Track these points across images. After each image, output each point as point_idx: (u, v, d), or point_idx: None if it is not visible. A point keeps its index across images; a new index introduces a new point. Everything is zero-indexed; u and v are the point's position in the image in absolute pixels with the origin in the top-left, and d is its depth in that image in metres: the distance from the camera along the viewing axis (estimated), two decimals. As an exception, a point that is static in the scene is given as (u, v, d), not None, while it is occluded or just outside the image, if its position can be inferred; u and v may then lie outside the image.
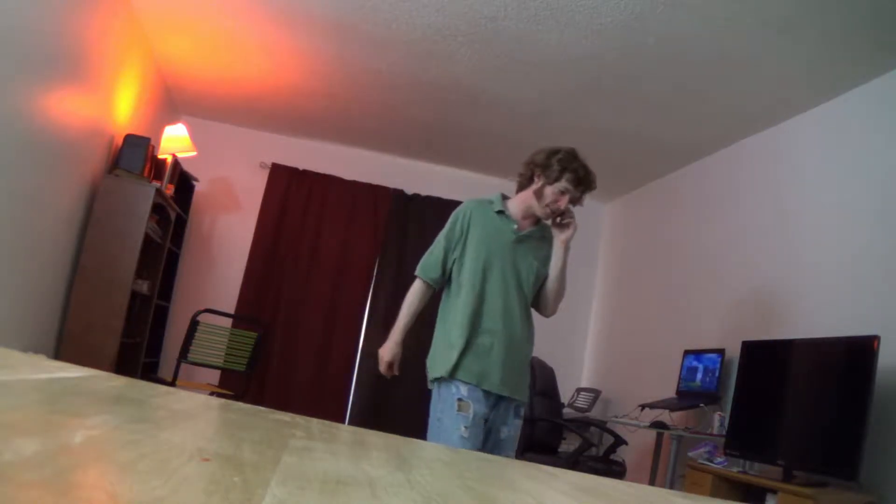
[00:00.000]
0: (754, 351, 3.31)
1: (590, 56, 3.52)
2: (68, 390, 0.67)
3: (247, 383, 4.31)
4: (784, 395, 3.07)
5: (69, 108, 3.40)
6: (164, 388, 0.84)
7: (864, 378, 2.51)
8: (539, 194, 2.37)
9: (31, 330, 3.47)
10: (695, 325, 4.32)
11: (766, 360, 3.24)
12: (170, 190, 4.42)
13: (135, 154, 4.01)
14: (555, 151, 2.47)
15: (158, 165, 4.37)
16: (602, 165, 5.17)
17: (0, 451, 0.36)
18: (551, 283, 2.41)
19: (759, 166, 4.01)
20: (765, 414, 3.11)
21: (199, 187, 5.29)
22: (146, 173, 4.05)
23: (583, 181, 2.35)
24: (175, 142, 4.51)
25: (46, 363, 0.84)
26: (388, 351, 2.39)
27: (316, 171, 5.61)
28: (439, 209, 5.78)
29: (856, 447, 2.43)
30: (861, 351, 2.59)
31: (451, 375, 2.25)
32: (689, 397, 3.93)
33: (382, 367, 2.41)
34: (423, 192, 5.77)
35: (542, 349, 4.99)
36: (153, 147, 4.23)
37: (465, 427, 2.20)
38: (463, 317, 2.28)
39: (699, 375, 3.93)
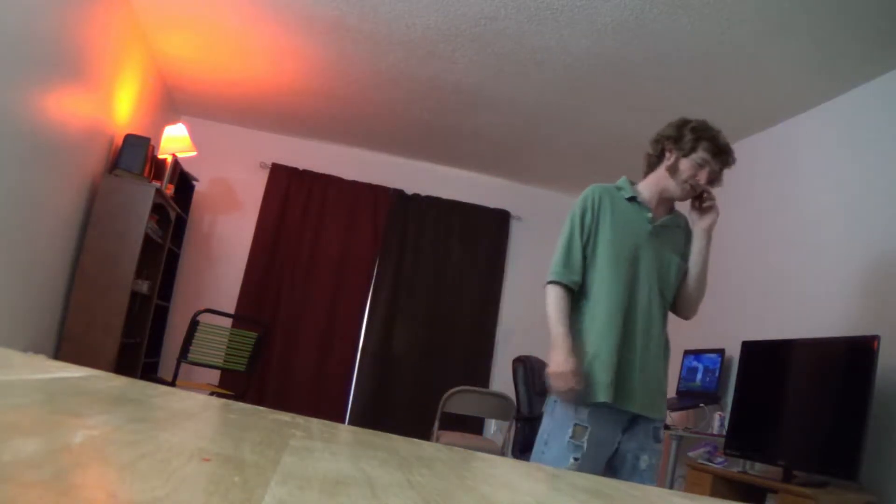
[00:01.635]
0: (754, 351, 3.31)
1: (590, 56, 3.52)
2: (68, 390, 0.67)
3: (247, 383, 4.31)
4: (784, 395, 3.07)
5: (69, 108, 3.40)
6: (164, 388, 0.84)
7: (864, 378, 2.51)
8: (673, 170, 2.03)
9: (31, 330, 3.47)
10: (695, 325, 4.32)
11: (766, 360, 3.24)
12: (170, 190, 4.42)
13: (135, 154, 4.01)
14: (686, 121, 2.08)
15: (158, 165, 4.37)
16: (602, 165, 5.19)
17: (0, 451, 0.36)
18: (693, 280, 2.06)
19: (759, 166, 4.01)
20: (765, 414, 3.11)
21: (199, 187, 5.29)
22: (146, 173, 4.05)
23: (722, 150, 2.01)
24: (175, 142, 4.51)
25: (46, 363, 0.84)
26: (563, 362, 1.90)
27: (316, 171, 5.61)
28: (439, 209, 5.79)
29: (856, 447, 2.43)
30: (861, 351, 2.59)
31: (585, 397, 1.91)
32: (689, 397, 3.93)
33: (565, 383, 1.90)
34: (423, 192, 5.77)
35: (543, 349, 5.00)
36: (153, 147, 4.23)
37: (575, 459, 1.91)
38: (602, 325, 1.95)
39: (699, 375, 3.93)
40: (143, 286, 4.25)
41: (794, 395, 3.03)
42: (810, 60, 3.21)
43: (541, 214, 5.97)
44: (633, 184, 2.12)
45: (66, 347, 3.71)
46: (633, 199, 2.06)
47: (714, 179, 2.04)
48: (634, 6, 3.01)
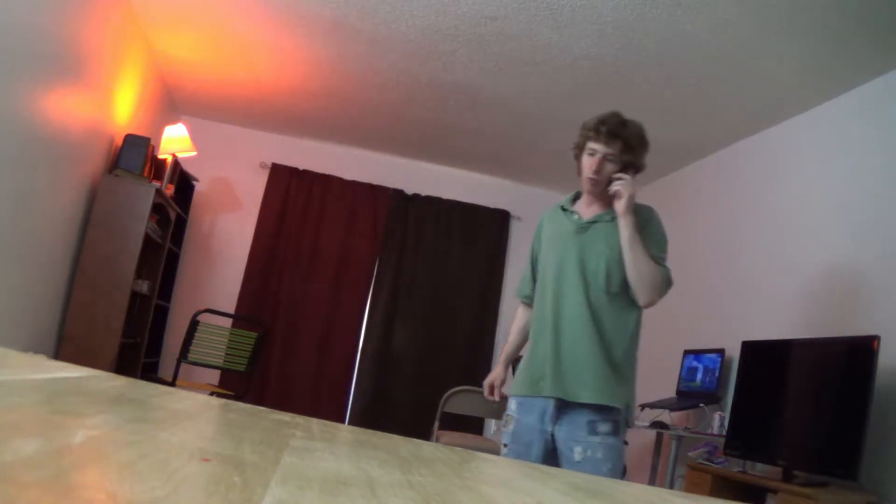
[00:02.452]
0: (754, 351, 3.31)
1: (590, 56, 3.52)
2: (68, 390, 0.67)
3: (247, 383, 4.31)
4: (784, 395, 3.07)
5: (69, 108, 3.40)
6: (164, 388, 0.84)
7: (864, 378, 2.51)
8: (579, 171, 2.16)
9: (31, 330, 3.47)
10: (695, 325, 4.32)
11: (766, 360, 3.24)
12: (170, 190, 4.43)
13: (135, 154, 4.01)
14: (583, 125, 2.20)
15: (158, 165, 4.37)
16: (602, 165, 5.19)
17: (0, 451, 0.36)
18: (627, 267, 2.02)
19: (759, 166, 4.01)
20: (765, 414, 3.11)
21: (199, 187, 5.29)
22: (146, 173, 4.05)
23: (593, 126, 2.07)
24: (175, 142, 4.51)
25: (46, 363, 0.84)
26: (491, 373, 2.29)
27: (316, 171, 5.61)
28: (439, 209, 5.79)
29: (856, 447, 2.43)
30: (861, 351, 2.59)
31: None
32: (689, 397, 3.93)
33: (485, 392, 2.28)
34: (423, 192, 5.78)
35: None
36: (153, 147, 4.23)
37: (505, 445, 2.10)
38: (532, 327, 2.17)
39: (699, 375, 3.93)
40: (143, 286, 4.25)
41: (793, 395, 3.03)
42: (811, 61, 3.21)
43: (541, 214, 5.97)
44: (578, 196, 2.26)
45: (66, 347, 3.71)
46: (563, 208, 2.23)
47: (614, 160, 2.06)
48: (634, 6, 3.01)
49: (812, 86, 3.44)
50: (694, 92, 3.73)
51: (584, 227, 2.12)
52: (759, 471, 3.04)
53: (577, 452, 1.95)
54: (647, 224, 2.09)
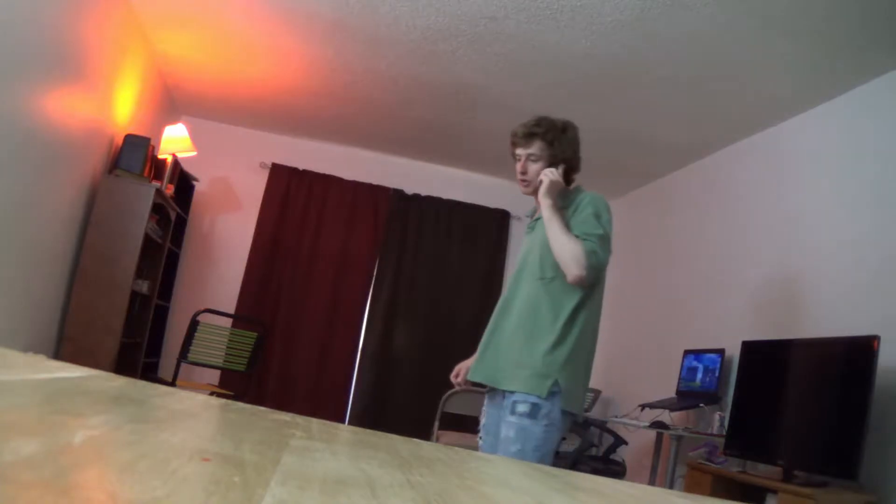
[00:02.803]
0: (754, 351, 3.31)
1: (590, 56, 3.52)
2: (68, 390, 0.67)
3: (247, 383, 4.31)
4: (784, 395, 3.07)
5: (69, 108, 3.40)
6: (164, 388, 0.84)
7: (864, 378, 2.51)
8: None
9: (31, 330, 3.47)
10: (695, 325, 4.32)
11: (766, 360, 3.24)
12: (170, 190, 4.42)
13: (135, 154, 4.01)
14: None
15: (158, 165, 4.37)
16: (602, 165, 5.19)
17: (0, 451, 0.36)
18: (552, 248, 2.08)
19: (759, 166, 4.01)
20: (765, 414, 3.11)
21: (199, 187, 5.29)
22: (146, 173, 4.05)
23: (515, 131, 2.19)
24: (175, 142, 4.51)
25: (46, 363, 0.84)
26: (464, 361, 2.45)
27: (316, 171, 5.62)
28: (439, 209, 5.79)
29: (856, 447, 2.43)
30: (861, 351, 2.59)
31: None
32: (689, 397, 3.93)
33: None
34: (423, 192, 5.78)
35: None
36: (153, 147, 4.23)
37: (480, 437, 2.24)
38: None
39: (699, 375, 3.93)
40: (143, 286, 4.25)
41: (793, 395, 3.03)
42: (811, 61, 3.21)
43: (541, 214, 5.97)
44: None
45: (66, 347, 3.71)
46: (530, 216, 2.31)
47: (527, 161, 2.16)
48: (634, 6, 3.01)
49: (812, 86, 3.44)
50: (694, 92, 3.73)
51: (532, 225, 2.25)
52: (759, 471, 3.04)
53: (502, 431, 2.03)
54: (580, 205, 2.13)
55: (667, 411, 3.86)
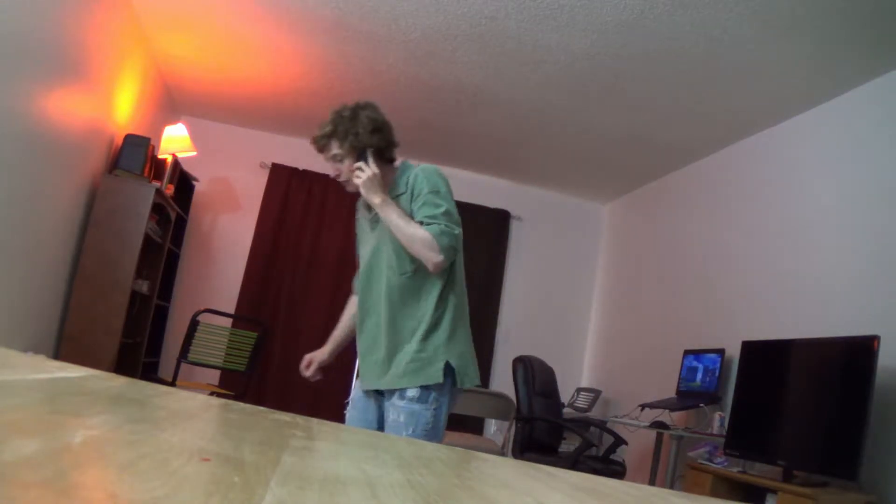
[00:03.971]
0: (754, 351, 3.31)
1: (590, 56, 3.52)
2: (68, 390, 0.67)
3: (247, 383, 4.31)
4: (784, 395, 3.07)
5: (69, 108, 3.40)
6: (164, 388, 0.84)
7: (864, 378, 2.51)
8: None
9: (31, 330, 3.47)
10: (695, 325, 4.33)
11: (766, 360, 3.24)
12: (170, 190, 4.42)
13: (135, 154, 4.01)
14: None
15: (158, 165, 4.37)
16: (602, 165, 5.19)
17: (0, 451, 0.36)
18: (400, 241, 2.04)
19: (759, 166, 4.01)
20: (765, 414, 3.11)
21: (199, 187, 5.29)
22: (146, 173, 4.05)
23: (314, 143, 2.07)
24: (175, 142, 4.51)
25: (46, 363, 0.84)
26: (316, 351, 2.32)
27: (316, 171, 5.61)
28: (439, 209, 5.78)
29: (856, 447, 2.43)
30: (861, 351, 2.59)
31: None
32: (689, 397, 3.93)
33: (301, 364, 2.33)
34: (423, 192, 5.77)
35: (543, 349, 5.01)
36: (153, 147, 4.23)
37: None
38: None
39: (699, 375, 3.94)
40: (143, 286, 4.25)
41: (794, 395, 3.03)
42: (811, 60, 3.21)
43: (541, 214, 5.98)
44: None
45: (66, 347, 3.71)
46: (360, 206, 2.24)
47: (335, 163, 2.06)
48: (634, 6, 3.01)
49: (812, 86, 3.44)
50: (694, 92, 3.73)
51: (376, 218, 2.09)
52: (759, 471, 3.04)
53: (389, 416, 2.01)
54: (415, 186, 2.04)
55: (667, 411, 3.86)
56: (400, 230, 1.96)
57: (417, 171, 2.08)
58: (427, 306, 2.02)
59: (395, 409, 2.00)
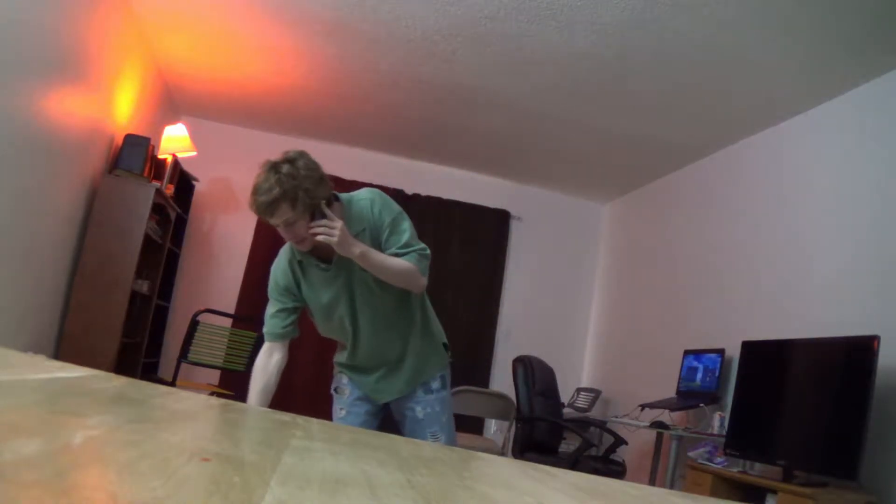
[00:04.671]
0: (754, 351, 3.31)
1: (589, 56, 3.52)
2: (68, 390, 0.67)
3: (247, 383, 4.30)
4: (784, 395, 3.07)
5: (69, 108, 3.40)
6: (164, 388, 0.84)
7: (864, 378, 2.51)
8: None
9: (31, 330, 3.47)
10: (695, 325, 4.33)
11: (766, 360, 3.24)
12: (170, 190, 4.42)
13: (135, 154, 4.01)
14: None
15: (158, 165, 4.37)
16: (602, 165, 5.19)
17: (0, 451, 0.36)
18: (380, 276, 1.99)
19: (759, 166, 4.01)
20: (765, 414, 3.11)
21: (199, 187, 5.29)
22: (146, 173, 4.05)
23: (260, 211, 1.90)
24: (175, 142, 4.51)
25: (46, 363, 0.84)
26: None
27: (316, 171, 5.61)
28: (439, 209, 5.78)
29: (856, 447, 2.43)
30: (861, 351, 2.59)
31: None
32: (689, 397, 3.93)
33: None
34: (423, 192, 5.77)
35: (543, 349, 5.01)
36: (153, 147, 4.23)
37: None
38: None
39: (699, 375, 3.93)
40: (143, 286, 4.25)
41: (794, 395, 3.03)
42: (809, 62, 3.21)
43: (541, 214, 5.98)
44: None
45: (66, 347, 3.71)
46: (300, 261, 2.08)
47: (288, 227, 1.92)
48: (634, 6, 3.01)
49: (812, 86, 3.44)
50: (694, 92, 3.73)
51: (340, 266, 1.99)
52: (759, 471, 3.04)
53: (419, 411, 2.14)
54: (374, 220, 1.97)
55: (667, 411, 3.86)
56: (387, 271, 1.92)
57: (366, 202, 1.98)
58: (413, 306, 2.12)
59: (425, 403, 2.14)
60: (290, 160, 1.87)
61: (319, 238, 1.86)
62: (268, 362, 2.18)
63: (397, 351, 2.12)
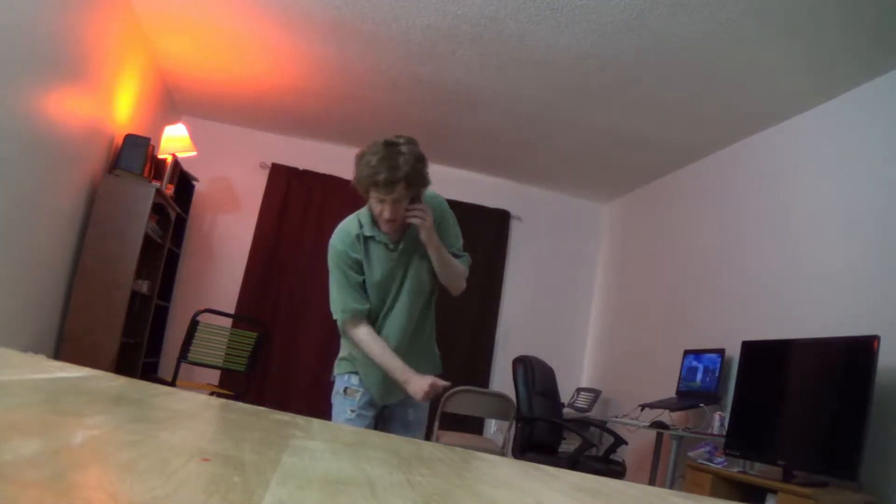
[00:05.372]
0: (754, 351, 3.31)
1: (590, 56, 3.52)
2: (68, 390, 0.67)
3: (247, 383, 4.31)
4: (784, 395, 3.07)
5: (69, 108, 3.40)
6: (164, 388, 0.84)
7: (864, 378, 2.51)
8: (369, 208, 2.07)
9: (31, 330, 3.47)
10: (695, 325, 4.33)
11: (766, 360, 3.24)
12: (170, 190, 4.42)
13: (135, 154, 4.01)
14: (358, 158, 2.06)
15: (158, 165, 4.37)
16: (602, 165, 5.19)
17: (0, 450, 0.36)
18: (439, 275, 2.15)
19: (759, 166, 4.01)
20: (765, 414, 3.11)
21: (199, 187, 5.29)
22: (146, 173, 4.05)
23: (380, 184, 1.93)
24: (175, 142, 4.51)
25: (46, 363, 0.84)
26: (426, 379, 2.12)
27: (316, 171, 5.61)
28: (439, 209, 5.78)
29: (856, 447, 2.43)
30: (861, 351, 2.59)
31: None
32: (689, 397, 3.93)
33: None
34: (423, 192, 5.77)
35: (543, 349, 5.01)
36: (153, 147, 4.23)
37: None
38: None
39: (699, 375, 3.93)
40: (143, 286, 4.25)
41: (793, 395, 3.03)
42: (809, 62, 3.21)
43: (541, 214, 5.98)
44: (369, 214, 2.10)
45: (66, 347, 3.71)
46: (371, 237, 2.09)
47: (394, 205, 1.96)
48: (634, 6, 3.01)
49: (812, 86, 3.44)
50: (694, 92, 3.73)
51: (404, 249, 2.09)
52: (759, 471, 3.04)
53: (410, 415, 2.21)
54: (441, 217, 2.11)
55: (667, 411, 3.86)
56: (447, 266, 2.10)
57: (436, 201, 2.12)
58: (431, 314, 2.26)
59: (417, 408, 2.20)
60: (409, 142, 1.99)
61: (413, 221, 1.99)
62: (370, 331, 2.12)
63: (409, 347, 2.17)
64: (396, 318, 2.14)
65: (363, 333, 2.11)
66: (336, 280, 2.12)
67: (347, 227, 2.11)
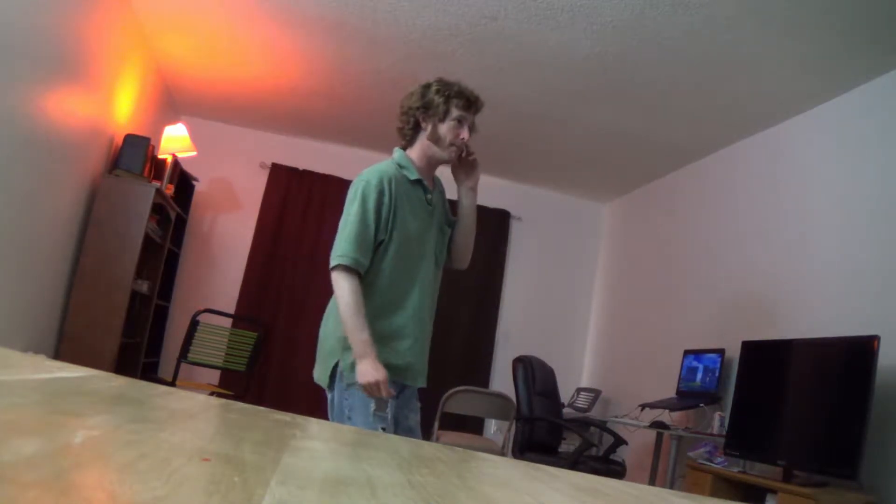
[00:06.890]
0: (754, 351, 3.31)
1: (590, 56, 3.52)
2: (68, 390, 0.67)
3: (247, 383, 4.31)
4: (784, 395, 3.07)
5: (69, 108, 3.40)
6: (164, 388, 0.84)
7: (864, 378, 2.51)
8: (435, 138, 1.99)
9: (31, 330, 3.47)
10: (695, 325, 4.32)
11: (766, 360, 3.24)
12: (170, 190, 4.42)
13: (135, 154, 4.01)
14: (427, 86, 2.02)
15: (158, 165, 4.37)
16: (602, 165, 5.19)
17: (0, 451, 0.36)
18: (464, 235, 2.10)
19: (759, 166, 4.01)
20: (765, 414, 3.11)
21: (199, 187, 5.29)
22: (146, 173, 4.05)
23: (472, 99, 2.05)
24: (175, 142, 4.51)
25: (46, 363, 0.84)
26: (375, 371, 1.86)
27: (316, 171, 5.61)
28: (439, 209, 5.78)
29: (856, 447, 2.43)
30: (861, 351, 2.59)
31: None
32: (689, 397, 3.93)
33: (379, 391, 1.87)
34: (423, 192, 5.77)
35: (543, 349, 5.01)
36: (153, 147, 4.23)
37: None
38: (409, 311, 2.00)
39: (699, 375, 3.93)
40: (143, 286, 4.25)
41: (793, 395, 3.03)
42: (809, 62, 3.21)
43: (541, 214, 5.98)
44: (408, 158, 2.04)
45: (66, 347, 3.71)
46: (418, 181, 2.00)
47: (472, 129, 2.07)
48: (635, 6, 3.01)
49: (812, 86, 3.44)
50: (694, 92, 3.73)
51: (431, 202, 2.04)
52: (759, 471, 3.04)
53: (410, 420, 2.02)
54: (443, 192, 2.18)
55: (667, 411, 3.86)
56: (473, 233, 2.14)
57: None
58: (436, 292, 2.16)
59: (417, 412, 2.06)
60: None
61: (470, 157, 2.10)
62: (359, 287, 1.91)
63: (428, 324, 2.05)
64: (421, 293, 1.95)
65: (355, 284, 1.88)
66: (356, 219, 1.87)
67: (384, 168, 1.96)
